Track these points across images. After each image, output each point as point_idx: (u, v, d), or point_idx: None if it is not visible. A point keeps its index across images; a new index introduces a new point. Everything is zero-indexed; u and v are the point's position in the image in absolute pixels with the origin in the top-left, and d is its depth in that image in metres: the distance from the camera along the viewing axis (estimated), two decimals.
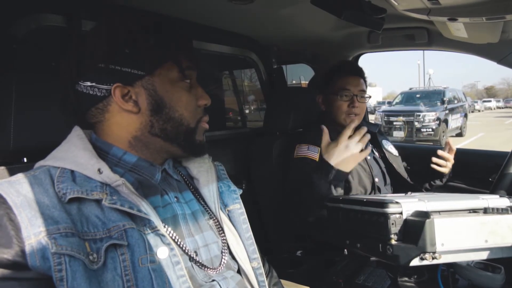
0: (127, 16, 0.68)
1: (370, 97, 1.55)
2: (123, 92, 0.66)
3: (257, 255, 0.81)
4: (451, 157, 1.46)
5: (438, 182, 1.54)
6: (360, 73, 1.52)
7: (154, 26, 0.68)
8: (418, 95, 11.82)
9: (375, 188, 1.44)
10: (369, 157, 1.51)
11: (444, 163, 1.46)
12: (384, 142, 1.60)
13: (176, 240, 0.67)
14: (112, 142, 0.69)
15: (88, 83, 0.66)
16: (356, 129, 1.31)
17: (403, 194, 1.02)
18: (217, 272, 0.71)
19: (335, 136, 1.44)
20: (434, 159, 1.47)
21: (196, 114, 0.74)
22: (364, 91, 1.50)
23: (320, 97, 1.55)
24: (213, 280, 0.69)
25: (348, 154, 1.25)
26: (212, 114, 0.78)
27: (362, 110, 1.50)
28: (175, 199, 0.73)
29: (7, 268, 0.52)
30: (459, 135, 11.73)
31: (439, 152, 1.46)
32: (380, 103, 25.67)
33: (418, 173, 1.58)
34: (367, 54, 2.02)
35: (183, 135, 0.72)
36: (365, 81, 1.54)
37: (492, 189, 1.44)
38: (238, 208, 0.82)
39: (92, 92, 0.66)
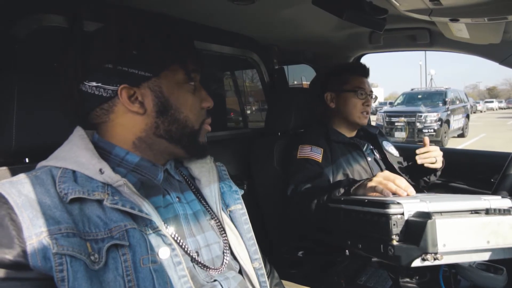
0: (137, 18, 0.68)
1: (377, 97, 1.58)
2: (130, 93, 0.66)
3: (258, 255, 0.81)
4: (431, 148, 1.42)
5: (432, 178, 1.54)
6: (368, 76, 1.56)
7: (162, 29, 0.69)
8: (420, 96, 11.80)
9: None
10: (369, 159, 1.51)
11: (433, 159, 1.42)
12: (385, 143, 1.60)
13: (177, 240, 0.67)
14: (115, 143, 0.69)
15: (94, 83, 0.66)
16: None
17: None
18: (219, 272, 0.71)
19: (340, 136, 1.45)
20: (421, 159, 1.42)
21: (200, 116, 0.75)
22: (372, 93, 1.54)
23: (329, 95, 1.52)
24: (215, 280, 0.69)
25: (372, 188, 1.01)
26: (213, 114, 0.79)
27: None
28: (177, 199, 0.73)
29: (8, 268, 0.52)
30: (461, 135, 11.71)
31: (418, 151, 1.42)
32: (382, 104, 25.61)
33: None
34: (368, 54, 2.02)
35: (188, 137, 0.72)
36: None
37: (494, 190, 1.43)
38: (239, 208, 0.82)
39: (97, 93, 0.66)
